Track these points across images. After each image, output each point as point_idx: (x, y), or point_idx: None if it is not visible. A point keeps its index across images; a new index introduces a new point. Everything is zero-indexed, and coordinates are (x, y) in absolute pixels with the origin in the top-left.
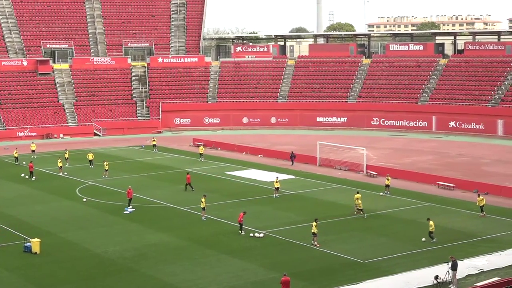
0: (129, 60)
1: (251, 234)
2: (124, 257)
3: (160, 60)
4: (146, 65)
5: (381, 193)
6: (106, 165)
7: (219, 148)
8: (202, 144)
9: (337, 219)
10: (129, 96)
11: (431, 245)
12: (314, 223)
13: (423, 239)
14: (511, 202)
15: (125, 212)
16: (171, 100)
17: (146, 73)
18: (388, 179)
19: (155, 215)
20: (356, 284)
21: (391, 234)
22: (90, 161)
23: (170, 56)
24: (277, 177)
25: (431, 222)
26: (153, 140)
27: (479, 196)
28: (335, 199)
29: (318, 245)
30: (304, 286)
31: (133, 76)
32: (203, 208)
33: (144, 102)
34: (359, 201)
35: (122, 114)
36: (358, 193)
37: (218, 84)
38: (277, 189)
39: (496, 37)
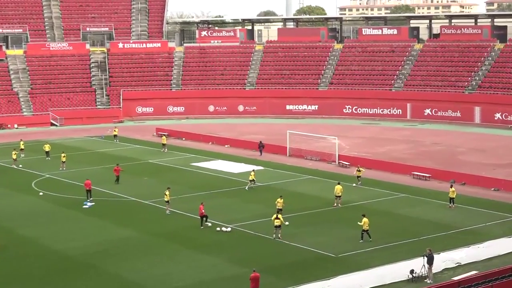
0: (87, 46)
1: (218, 228)
2: (85, 254)
3: (120, 45)
4: (105, 50)
5: (354, 185)
6: (64, 156)
7: (183, 138)
8: (165, 134)
9: (308, 212)
10: (88, 83)
11: (406, 238)
12: (280, 216)
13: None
14: (489, 192)
15: (84, 206)
16: (132, 88)
17: (106, 59)
18: (359, 171)
19: (116, 209)
20: (328, 279)
21: (361, 227)
22: (47, 152)
23: (131, 41)
24: (253, 169)
25: (365, 220)
26: (115, 130)
27: (451, 187)
28: (306, 190)
29: (280, 238)
30: (274, 282)
31: (92, 62)
32: (167, 202)
33: (104, 90)
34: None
35: (81, 103)
36: (339, 183)
37: (183, 71)
38: (251, 181)
39: (473, 20)
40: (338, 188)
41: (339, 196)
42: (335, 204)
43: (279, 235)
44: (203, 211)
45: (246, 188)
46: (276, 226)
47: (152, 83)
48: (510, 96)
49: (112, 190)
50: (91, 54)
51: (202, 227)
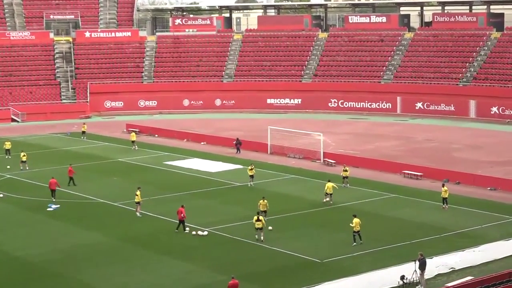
0: (51, 35)
1: (194, 232)
2: (49, 261)
3: (87, 34)
4: (71, 40)
5: (344, 185)
6: (24, 156)
7: (156, 135)
8: (136, 130)
9: (291, 213)
10: (52, 76)
11: (397, 241)
12: (262, 217)
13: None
14: (485, 192)
15: (48, 209)
16: (100, 81)
17: (72, 49)
18: (346, 170)
19: (83, 212)
20: (313, 286)
21: (352, 229)
22: (7, 150)
23: (99, 30)
24: (251, 164)
25: (356, 220)
26: (83, 126)
27: (443, 187)
28: (289, 190)
29: (262, 240)
30: None
31: (57, 53)
32: (138, 203)
33: (70, 83)
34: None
35: (45, 97)
36: (329, 181)
37: (155, 62)
38: (251, 176)
39: (468, 7)
40: (329, 186)
41: (331, 194)
42: (325, 200)
43: (262, 237)
44: (183, 214)
45: (249, 185)
46: (257, 228)
47: (122, 76)
48: (508, 88)
49: (79, 192)
50: (55, 44)
51: (176, 230)
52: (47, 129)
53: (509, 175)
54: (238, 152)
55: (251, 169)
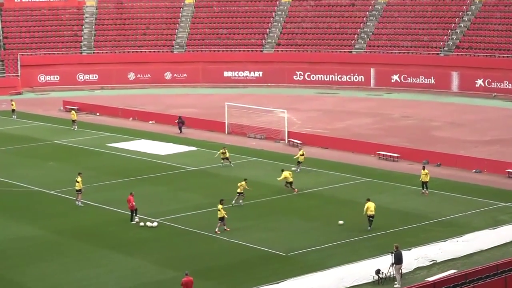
0: None
1: (142, 223)
2: None
3: None
4: None
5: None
6: None
7: (97, 113)
8: (76, 108)
9: (252, 201)
10: None
11: (371, 231)
12: (220, 206)
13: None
14: (469, 174)
15: None
16: (33, 52)
17: None
18: (302, 154)
19: (16, 201)
20: (277, 283)
21: (321, 218)
22: None
23: None
24: (224, 148)
25: (368, 205)
26: (12, 104)
27: (424, 169)
28: (249, 175)
29: (218, 232)
30: (211, 287)
31: None
32: (79, 191)
33: None
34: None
35: None
36: (283, 170)
37: (95, 30)
38: (226, 159)
39: None
40: (286, 175)
41: (291, 182)
42: (296, 190)
43: (224, 227)
44: (133, 203)
45: (221, 165)
46: (220, 219)
47: (58, 46)
48: (494, 58)
49: (10, 179)
50: None
51: (133, 222)
52: None
53: (495, 156)
54: (180, 131)
55: (224, 153)
